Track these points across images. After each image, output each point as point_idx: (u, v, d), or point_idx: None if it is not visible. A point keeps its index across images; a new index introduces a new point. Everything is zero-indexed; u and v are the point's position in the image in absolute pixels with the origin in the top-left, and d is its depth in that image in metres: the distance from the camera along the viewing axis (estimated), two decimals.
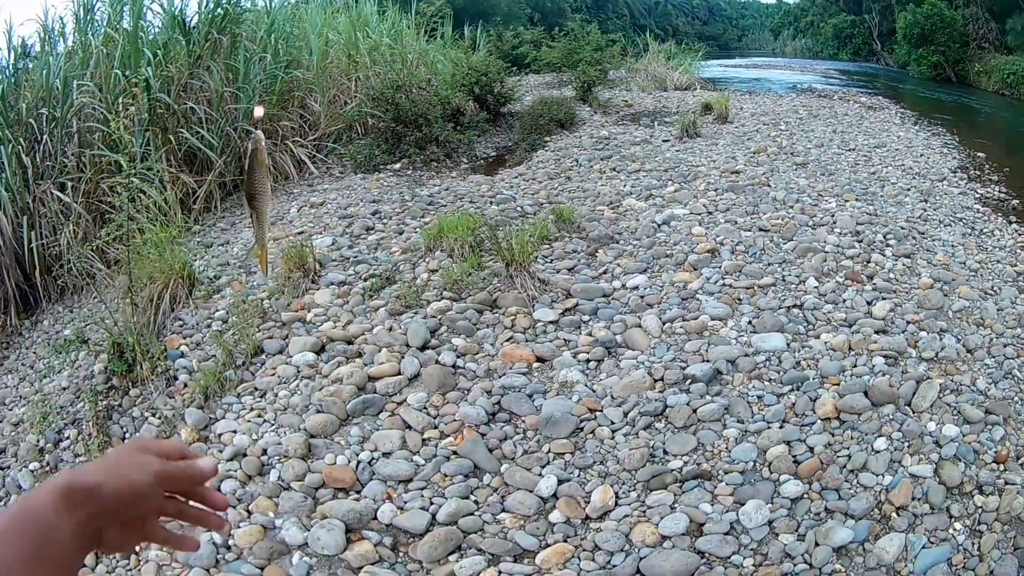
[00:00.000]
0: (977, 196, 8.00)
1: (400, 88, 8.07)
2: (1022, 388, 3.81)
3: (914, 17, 30.95)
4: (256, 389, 3.59)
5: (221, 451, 3.22)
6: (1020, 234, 6.78)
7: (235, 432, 3.32)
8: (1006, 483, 3.01)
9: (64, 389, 3.97)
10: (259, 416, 3.41)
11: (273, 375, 3.64)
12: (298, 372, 3.62)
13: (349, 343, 3.80)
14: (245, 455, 3.19)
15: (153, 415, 3.60)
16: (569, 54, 14.20)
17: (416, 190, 6.88)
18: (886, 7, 39.62)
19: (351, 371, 3.49)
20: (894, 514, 2.81)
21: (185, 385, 3.66)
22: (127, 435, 3.56)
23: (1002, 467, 3.10)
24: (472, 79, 9.81)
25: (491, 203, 6.41)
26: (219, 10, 7.29)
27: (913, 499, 2.87)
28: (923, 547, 2.71)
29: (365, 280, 4.49)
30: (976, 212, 7.26)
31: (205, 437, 3.38)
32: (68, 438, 3.65)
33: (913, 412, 3.35)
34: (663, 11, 73.73)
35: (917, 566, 2.66)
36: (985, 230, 6.72)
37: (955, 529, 2.80)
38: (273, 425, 3.32)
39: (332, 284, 4.47)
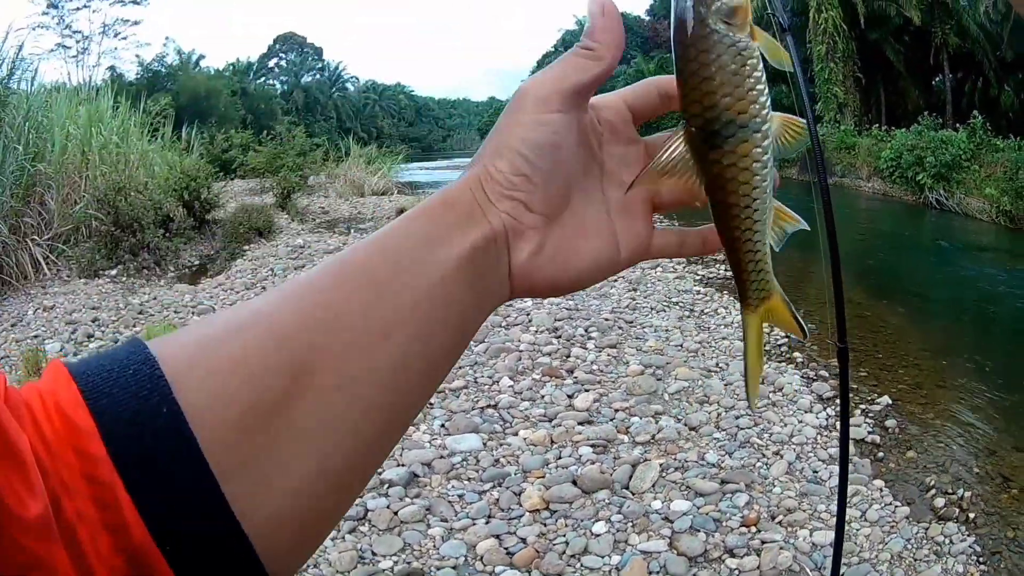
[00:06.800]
0: (697, 278, 9.72)
1: (121, 190, 9.78)
2: (764, 454, 4.79)
3: None
4: None
5: None
6: None
7: None
8: (763, 543, 3.84)
9: None
10: None
11: None
12: None
13: None
14: None
15: None
16: (273, 159, 16.92)
17: (129, 298, 8.53)
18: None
19: None
20: None
21: None
22: None
23: (754, 529, 3.97)
24: (182, 184, 11.58)
25: (192, 313, 7.84)
26: None
27: (650, 573, 3.64)
28: None
29: None
30: (696, 294, 8.83)
31: None
32: None
33: (633, 494, 4.27)
34: (370, 113, 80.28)
35: None
36: (707, 310, 8.18)
37: None
38: None
39: None
